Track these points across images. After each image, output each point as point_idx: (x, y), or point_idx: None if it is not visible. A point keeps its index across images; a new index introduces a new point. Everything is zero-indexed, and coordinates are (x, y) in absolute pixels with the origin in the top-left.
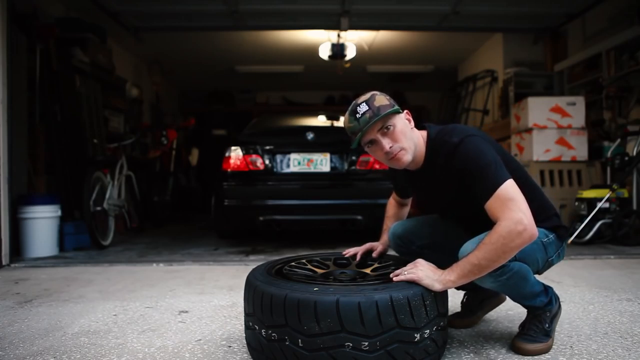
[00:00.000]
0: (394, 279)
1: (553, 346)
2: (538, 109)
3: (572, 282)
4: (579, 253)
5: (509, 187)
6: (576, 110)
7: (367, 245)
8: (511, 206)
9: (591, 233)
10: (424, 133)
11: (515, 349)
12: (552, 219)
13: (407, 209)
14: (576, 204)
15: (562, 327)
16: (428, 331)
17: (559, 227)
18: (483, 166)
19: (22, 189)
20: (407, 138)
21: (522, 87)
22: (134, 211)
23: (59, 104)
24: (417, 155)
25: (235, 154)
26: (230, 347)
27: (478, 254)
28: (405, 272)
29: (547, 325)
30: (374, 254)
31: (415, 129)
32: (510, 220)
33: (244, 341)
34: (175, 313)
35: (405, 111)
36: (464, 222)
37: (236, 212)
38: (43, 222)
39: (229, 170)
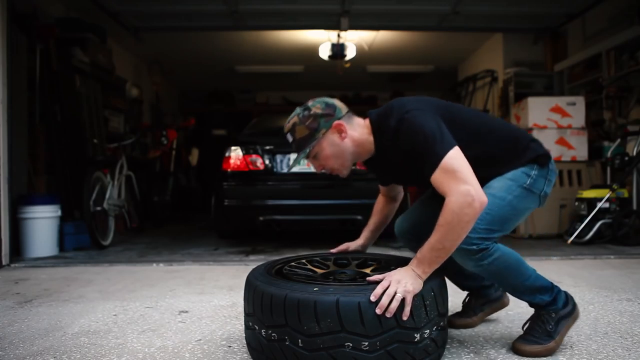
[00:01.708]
0: (372, 298)
1: None
2: (538, 109)
3: (572, 282)
4: (579, 253)
5: (452, 159)
6: (576, 110)
7: (343, 246)
8: (456, 178)
9: (591, 233)
10: (367, 121)
11: (513, 349)
12: (529, 150)
13: (395, 205)
14: (576, 204)
15: None
16: (428, 331)
17: (539, 157)
18: (423, 142)
19: (22, 189)
20: (336, 157)
21: (522, 87)
22: (134, 211)
23: (59, 104)
24: (365, 149)
25: (235, 154)
26: (230, 347)
27: (438, 237)
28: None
29: (550, 327)
30: (348, 249)
31: (354, 125)
32: (458, 194)
33: (244, 341)
34: (175, 313)
35: (335, 123)
36: None
37: (236, 212)
38: (43, 222)
39: (229, 170)
